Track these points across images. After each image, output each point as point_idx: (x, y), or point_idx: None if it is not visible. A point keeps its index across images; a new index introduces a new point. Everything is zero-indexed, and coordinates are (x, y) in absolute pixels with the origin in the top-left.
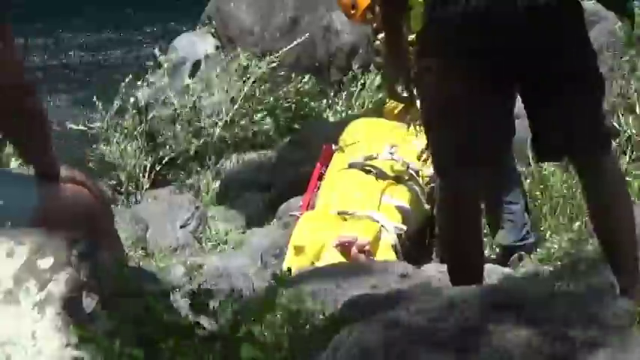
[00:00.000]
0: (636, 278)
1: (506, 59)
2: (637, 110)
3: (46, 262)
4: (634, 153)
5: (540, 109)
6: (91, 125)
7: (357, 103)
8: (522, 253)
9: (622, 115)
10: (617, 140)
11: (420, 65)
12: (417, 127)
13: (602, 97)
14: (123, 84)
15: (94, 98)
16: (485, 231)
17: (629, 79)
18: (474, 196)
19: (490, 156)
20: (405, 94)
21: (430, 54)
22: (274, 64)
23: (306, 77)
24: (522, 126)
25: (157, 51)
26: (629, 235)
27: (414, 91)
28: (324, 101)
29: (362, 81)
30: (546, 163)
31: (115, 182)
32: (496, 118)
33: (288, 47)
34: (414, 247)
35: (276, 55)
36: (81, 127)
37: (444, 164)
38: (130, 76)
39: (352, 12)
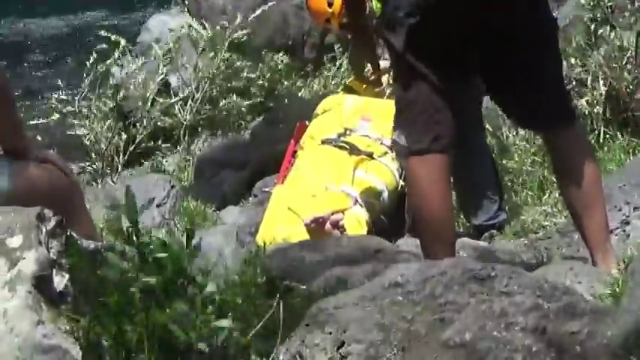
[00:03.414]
0: (607, 249)
1: (466, 32)
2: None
3: (15, 241)
4: (598, 127)
5: (504, 84)
6: (65, 110)
7: (333, 82)
8: (493, 231)
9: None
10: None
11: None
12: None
13: (561, 66)
14: (97, 66)
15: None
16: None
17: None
18: (440, 170)
19: (453, 131)
20: (371, 76)
21: (390, 35)
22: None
23: (280, 55)
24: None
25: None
26: (599, 206)
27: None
28: (299, 80)
29: (341, 60)
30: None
31: (89, 163)
32: (460, 94)
33: (256, 13)
34: (388, 222)
35: (246, 25)
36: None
37: (410, 140)
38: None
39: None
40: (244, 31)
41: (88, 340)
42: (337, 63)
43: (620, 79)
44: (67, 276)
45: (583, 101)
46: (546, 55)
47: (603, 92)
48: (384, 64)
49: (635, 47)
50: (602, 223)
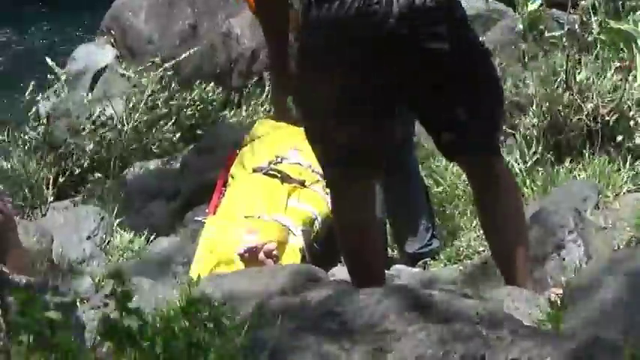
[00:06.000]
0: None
1: (385, 64)
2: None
3: None
4: (533, 151)
5: (431, 115)
6: None
7: (263, 108)
8: (427, 259)
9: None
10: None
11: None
12: None
13: (493, 99)
14: (26, 96)
15: None
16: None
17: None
18: (362, 202)
19: (374, 162)
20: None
21: (304, 60)
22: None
23: (209, 84)
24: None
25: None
26: (521, 248)
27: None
28: (228, 108)
29: (268, 86)
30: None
31: (18, 196)
32: (377, 123)
33: (184, 55)
34: (322, 250)
35: (172, 62)
36: None
37: (330, 175)
38: (30, 87)
39: None
40: (171, 64)
41: None
42: (266, 90)
43: (554, 102)
44: None
45: (519, 125)
46: (466, 84)
47: (540, 115)
48: None
49: (565, 70)
50: (523, 268)
